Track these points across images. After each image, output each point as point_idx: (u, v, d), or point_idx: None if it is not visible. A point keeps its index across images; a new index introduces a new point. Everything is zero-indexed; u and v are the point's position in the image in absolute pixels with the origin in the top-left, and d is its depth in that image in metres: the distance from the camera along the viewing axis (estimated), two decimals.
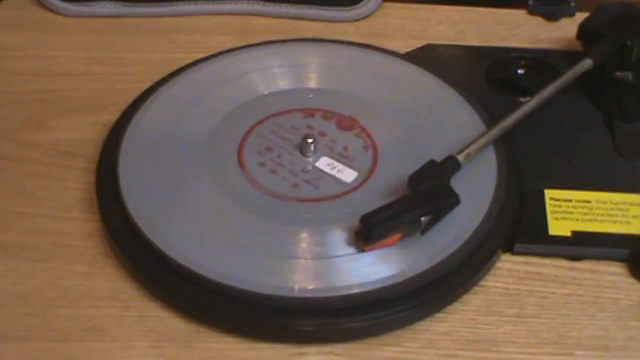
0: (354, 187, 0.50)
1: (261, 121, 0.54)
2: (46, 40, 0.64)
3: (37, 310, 0.46)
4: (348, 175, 0.51)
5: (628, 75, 0.58)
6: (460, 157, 0.49)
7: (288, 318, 0.44)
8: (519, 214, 0.50)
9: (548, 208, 0.50)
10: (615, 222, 0.50)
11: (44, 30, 0.65)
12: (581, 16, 0.61)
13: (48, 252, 0.49)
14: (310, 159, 0.52)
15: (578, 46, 0.61)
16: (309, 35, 0.65)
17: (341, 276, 0.45)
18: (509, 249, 0.49)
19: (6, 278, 0.47)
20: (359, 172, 0.51)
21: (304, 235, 0.47)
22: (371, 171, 0.51)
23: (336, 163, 0.51)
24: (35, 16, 0.66)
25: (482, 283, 0.48)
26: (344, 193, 0.50)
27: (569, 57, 0.60)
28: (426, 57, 0.61)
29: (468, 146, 0.50)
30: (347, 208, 0.48)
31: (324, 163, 0.51)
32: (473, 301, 0.47)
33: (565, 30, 0.66)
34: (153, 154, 0.52)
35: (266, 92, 0.56)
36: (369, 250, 0.46)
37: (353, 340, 0.45)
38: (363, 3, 0.67)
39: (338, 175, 0.50)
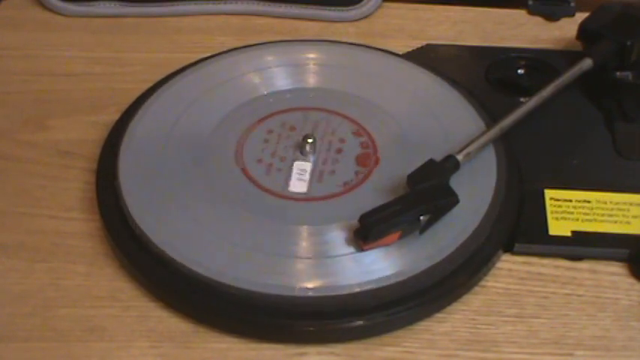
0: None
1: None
2: (46, 40, 0.64)
3: (37, 310, 0.46)
4: (299, 186, 0.50)
5: (628, 75, 0.58)
6: (459, 157, 0.49)
7: (288, 318, 0.44)
8: (519, 214, 0.50)
9: (548, 208, 0.50)
10: (615, 222, 0.50)
11: (44, 30, 0.65)
12: (581, 16, 0.61)
13: (48, 252, 0.49)
14: (310, 158, 0.52)
15: (578, 46, 0.61)
16: (309, 35, 0.65)
17: (341, 276, 0.45)
18: (509, 249, 0.49)
19: (6, 278, 0.47)
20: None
21: (304, 234, 0.47)
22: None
23: (308, 169, 0.51)
24: (35, 16, 0.66)
25: (482, 283, 0.48)
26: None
27: (569, 57, 0.60)
28: (426, 57, 0.61)
29: (467, 146, 0.50)
30: (346, 208, 0.48)
31: (298, 167, 0.51)
32: (473, 301, 0.47)
33: (565, 30, 0.66)
34: (153, 154, 0.52)
35: (266, 92, 0.56)
36: (368, 249, 0.46)
37: (353, 341, 0.45)
38: (363, 3, 0.67)
39: (291, 182, 0.50)
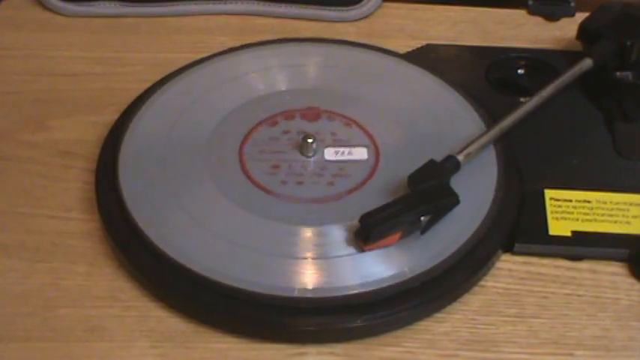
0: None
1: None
2: (46, 40, 0.64)
3: (37, 310, 0.46)
4: (360, 153, 0.51)
5: (628, 75, 0.58)
6: (460, 157, 0.49)
7: (288, 318, 0.44)
8: (519, 214, 0.50)
9: (548, 208, 0.50)
10: (615, 222, 0.50)
11: (44, 30, 0.65)
12: (581, 16, 0.61)
13: (48, 252, 0.49)
14: (310, 159, 0.52)
15: (578, 46, 0.61)
16: (309, 35, 0.65)
17: (341, 276, 0.45)
18: (509, 249, 0.49)
19: (6, 278, 0.47)
20: (366, 149, 0.51)
21: (304, 235, 0.47)
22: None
23: (341, 149, 0.52)
24: (35, 16, 0.66)
25: (482, 283, 0.48)
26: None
27: (569, 57, 0.60)
28: (426, 57, 0.61)
29: (467, 146, 0.50)
30: (347, 208, 0.48)
31: (330, 153, 0.52)
32: (473, 301, 0.47)
33: (565, 30, 0.66)
34: (153, 154, 0.52)
35: (266, 92, 0.56)
36: (369, 249, 0.46)
37: (353, 340, 0.45)
38: (363, 3, 0.67)
39: (350, 158, 0.51)
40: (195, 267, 0.45)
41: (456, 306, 0.46)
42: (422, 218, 0.46)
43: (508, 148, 0.53)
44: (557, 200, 0.51)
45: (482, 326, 0.46)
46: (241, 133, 0.53)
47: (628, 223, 0.49)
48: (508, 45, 0.64)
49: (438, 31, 0.66)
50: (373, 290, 0.44)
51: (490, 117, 0.54)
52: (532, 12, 0.68)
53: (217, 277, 0.45)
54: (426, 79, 0.58)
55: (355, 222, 0.46)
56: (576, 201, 0.51)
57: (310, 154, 0.52)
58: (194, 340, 0.45)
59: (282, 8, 0.67)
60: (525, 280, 0.48)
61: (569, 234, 0.49)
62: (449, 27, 0.67)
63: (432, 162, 0.49)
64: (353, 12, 0.67)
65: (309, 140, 0.51)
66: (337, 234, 0.47)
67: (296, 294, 0.44)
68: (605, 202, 0.51)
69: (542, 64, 0.61)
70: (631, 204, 0.50)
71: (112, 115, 0.56)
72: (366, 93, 0.56)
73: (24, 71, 0.61)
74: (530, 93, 0.55)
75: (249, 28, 0.66)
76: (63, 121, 0.57)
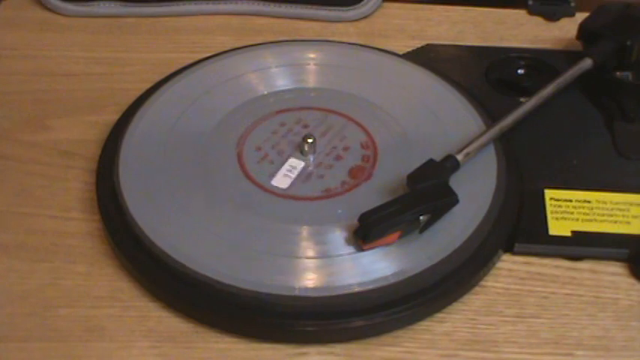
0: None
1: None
2: (46, 40, 0.64)
3: (37, 310, 0.46)
4: (282, 181, 0.50)
5: (628, 75, 0.58)
6: (459, 157, 0.49)
7: (288, 318, 0.44)
8: (519, 214, 0.50)
9: (548, 208, 0.50)
10: (615, 222, 0.50)
11: (44, 30, 0.65)
12: (581, 16, 0.61)
13: (48, 252, 0.49)
14: (310, 158, 0.52)
15: (578, 46, 0.61)
16: (309, 35, 0.65)
17: (341, 276, 0.45)
18: (509, 249, 0.49)
19: (6, 278, 0.47)
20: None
21: (304, 234, 0.47)
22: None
23: (298, 167, 0.51)
24: (35, 16, 0.66)
25: (482, 283, 0.48)
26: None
27: (569, 57, 0.60)
28: (426, 57, 0.61)
29: (467, 145, 0.50)
30: (346, 207, 0.48)
31: (290, 163, 0.51)
32: (473, 301, 0.47)
33: (565, 30, 0.66)
34: (153, 154, 0.52)
35: (266, 92, 0.56)
36: (368, 248, 0.46)
37: (353, 340, 0.45)
38: (363, 3, 0.67)
39: (277, 176, 0.50)
40: (195, 267, 0.45)
41: (456, 306, 0.46)
42: (421, 218, 0.46)
43: (508, 148, 0.53)
44: (557, 200, 0.51)
45: (482, 326, 0.46)
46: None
47: (628, 223, 0.49)
48: (508, 45, 0.64)
49: (438, 31, 0.66)
50: (373, 290, 0.44)
51: (490, 117, 0.54)
52: (532, 12, 0.68)
53: (217, 277, 0.44)
54: (426, 79, 0.58)
55: (355, 221, 0.46)
56: (576, 201, 0.51)
57: (310, 154, 0.52)
58: (194, 340, 0.45)
59: (282, 8, 0.67)
60: (525, 280, 0.48)
61: (569, 234, 0.49)
62: (449, 27, 0.67)
63: (431, 161, 0.49)
64: (353, 12, 0.67)
65: (309, 140, 0.51)
66: (337, 233, 0.47)
67: (296, 294, 0.44)
68: (605, 202, 0.51)
69: (542, 64, 0.61)
70: (631, 204, 0.50)
71: (112, 115, 0.56)
72: (366, 93, 0.56)
73: (24, 71, 0.61)
74: (530, 93, 0.55)
75: (249, 28, 0.66)
76: (63, 121, 0.57)
